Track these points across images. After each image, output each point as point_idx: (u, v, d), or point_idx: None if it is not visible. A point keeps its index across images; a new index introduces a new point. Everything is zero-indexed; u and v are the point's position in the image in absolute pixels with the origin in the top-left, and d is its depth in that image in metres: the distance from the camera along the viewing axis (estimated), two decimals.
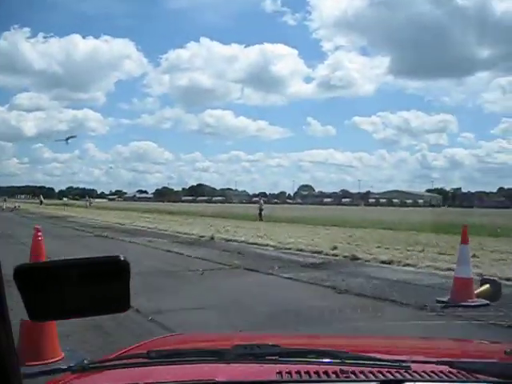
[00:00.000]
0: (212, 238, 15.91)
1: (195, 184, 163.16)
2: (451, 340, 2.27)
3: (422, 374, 1.17)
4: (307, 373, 1.17)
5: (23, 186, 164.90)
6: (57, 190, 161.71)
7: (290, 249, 13.02)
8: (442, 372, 1.18)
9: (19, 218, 30.44)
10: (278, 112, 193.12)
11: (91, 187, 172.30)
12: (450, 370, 1.19)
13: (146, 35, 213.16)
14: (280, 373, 1.17)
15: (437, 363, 1.24)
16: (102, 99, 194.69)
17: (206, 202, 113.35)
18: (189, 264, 10.04)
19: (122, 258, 0.92)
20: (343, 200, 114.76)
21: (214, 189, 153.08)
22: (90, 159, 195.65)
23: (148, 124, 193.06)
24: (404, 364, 1.20)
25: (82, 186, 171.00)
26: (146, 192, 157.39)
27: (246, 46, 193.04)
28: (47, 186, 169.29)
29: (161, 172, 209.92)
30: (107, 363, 1.32)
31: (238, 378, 1.21)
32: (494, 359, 1.38)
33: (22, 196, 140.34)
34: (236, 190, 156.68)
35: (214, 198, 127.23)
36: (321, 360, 1.23)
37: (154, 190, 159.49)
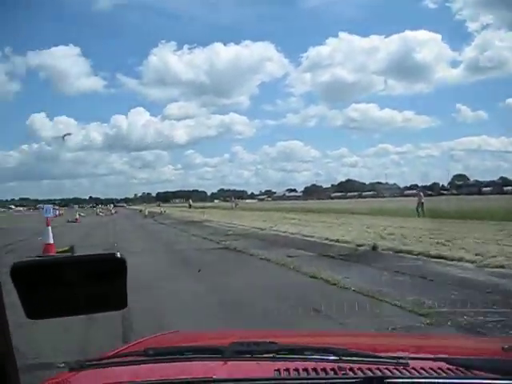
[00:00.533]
0: (374, 248, 11.13)
1: (344, 180, 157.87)
2: (449, 336, 2.36)
3: (420, 370, 1.18)
4: (305, 370, 1.17)
5: (177, 191, 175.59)
6: (209, 193, 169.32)
7: None
8: (439, 368, 1.19)
9: (153, 224, 28.40)
10: (424, 100, 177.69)
11: (242, 188, 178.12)
12: (448, 366, 1.19)
13: (285, 36, 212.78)
14: (278, 370, 1.18)
15: (435, 360, 1.25)
16: (246, 103, 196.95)
17: (356, 197, 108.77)
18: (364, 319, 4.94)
19: (119, 255, 0.92)
20: (505, 188, 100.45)
21: (364, 183, 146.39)
22: (238, 161, 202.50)
23: (293, 123, 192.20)
24: (402, 361, 1.19)
25: (232, 187, 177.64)
26: (294, 190, 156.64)
27: (386, 36, 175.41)
28: (200, 189, 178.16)
29: (308, 170, 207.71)
30: (105, 361, 1.31)
31: (236, 375, 1.19)
32: (492, 355, 1.40)
33: (177, 200, 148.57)
34: (386, 183, 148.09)
35: (364, 193, 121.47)
36: (319, 357, 1.22)
37: (302, 188, 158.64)
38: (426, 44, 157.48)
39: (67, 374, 1.29)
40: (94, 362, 1.30)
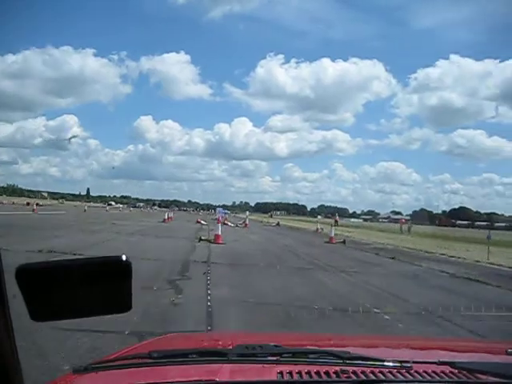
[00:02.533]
0: None
1: (456, 207, 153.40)
2: (452, 340, 2.43)
3: (424, 374, 1.18)
4: (308, 373, 1.17)
5: (277, 203, 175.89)
6: (308, 208, 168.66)
7: None
8: (443, 372, 1.19)
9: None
10: None
11: (340, 206, 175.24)
12: (452, 370, 1.20)
13: (395, 55, 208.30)
14: (281, 373, 1.18)
15: (438, 363, 1.24)
16: (350, 120, 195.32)
17: (467, 226, 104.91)
18: None
19: (124, 258, 0.92)
20: None
21: (479, 212, 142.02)
22: (337, 178, 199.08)
23: (395, 144, 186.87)
24: (405, 364, 1.20)
25: (328, 204, 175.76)
26: (400, 213, 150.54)
27: (501, 61, 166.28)
28: (299, 203, 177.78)
29: (408, 193, 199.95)
30: (109, 363, 1.32)
31: (240, 377, 1.21)
32: (496, 359, 1.42)
33: (278, 212, 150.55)
34: (502, 214, 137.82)
35: (477, 223, 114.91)
36: (322, 360, 1.23)
37: (409, 212, 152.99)
38: None
39: (71, 376, 1.29)
40: (98, 365, 1.29)
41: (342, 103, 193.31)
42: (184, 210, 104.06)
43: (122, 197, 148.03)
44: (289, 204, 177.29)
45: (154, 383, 1.16)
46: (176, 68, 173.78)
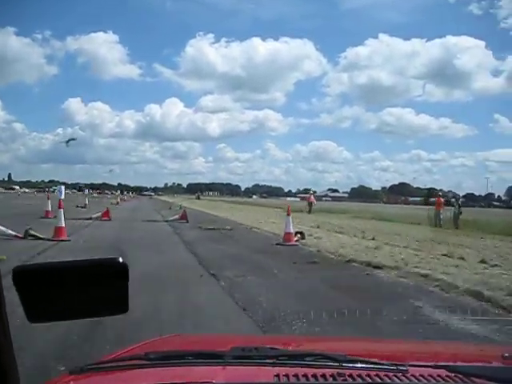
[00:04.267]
0: None
1: (397, 183, 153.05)
2: (449, 343, 2.32)
3: (420, 377, 1.17)
4: (305, 376, 1.17)
5: (210, 183, 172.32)
6: (243, 188, 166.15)
7: None
8: (439, 376, 1.19)
9: None
10: (462, 108, 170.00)
11: (276, 185, 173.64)
12: (448, 373, 1.20)
13: (325, 35, 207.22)
14: (277, 375, 1.17)
15: (434, 367, 1.25)
16: (282, 99, 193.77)
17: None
18: None
19: (121, 260, 0.92)
20: None
21: (419, 188, 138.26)
22: (270, 158, 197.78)
23: (327, 123, 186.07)
24: (401, 367, 1.19)
25: (263, 183, 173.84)
26: (336, 191, 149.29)
27: (427, 40, 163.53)
28: (233, 183, 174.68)
29: (340, 171, 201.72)
30: (105, 365, 1.31)
31: (236, 380, 1.21)
32: (492, 363, 1.40)
33: (210, 193, 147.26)
34: (441, 190, 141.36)
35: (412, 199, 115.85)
36: (318, 363, 1.23)
37: (346, 189, 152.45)
38: (469, 50, 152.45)
39: (67, 377, 1.28)
40: (94, 366, 1.29)
41: (273, 83, 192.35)
42: (100, 193, 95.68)
43: (50, 181, 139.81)
44: (222, 184, 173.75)
45: None
46: (104, 48, 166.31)
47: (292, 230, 13.14)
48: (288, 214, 13.26)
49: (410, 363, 1.25)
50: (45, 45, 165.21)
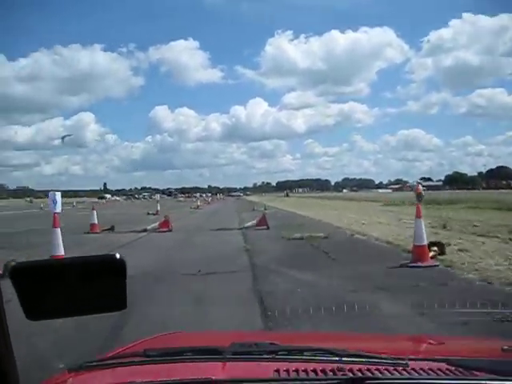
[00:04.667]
0: None
1: (494, 167, 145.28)
2: (448, 337, 2.30)
3: (420, 371, 1.18)
4: (305, 371, 1.17)
5: (299, 180, 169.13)
6: (332, 182, 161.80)
7: None
8: (439, 369, 1.19)
9: None
10: None
11: (366, 177, 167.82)
12: (448, 367, 1.19)
13: (405, 20, 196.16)
14: (277, 371, 1.18)
15: (434, 360, 1.24)
16: (365, 90, 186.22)
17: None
18: None
19: (119, 257, 0.92)
20: None
21: None
22: (358, 150, 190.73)
23: (414, 111, 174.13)
24: (401, 361, 1.19)
25: (352, 176, 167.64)
26: (430, 179, 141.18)
27: None
28: (323, 178, 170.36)
29: (430, 159, 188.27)
30: (104, 362, 1.31)
31: (236, 376, 1.19)
32: (491, 356, 1.37)
33: (300, 190, 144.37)
34: None
35: None
36: (318, 357, 1.23)
37: (442, 177, 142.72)
38: None
39: (66, 374, 1.28)
40: (93, 363, 1.29)
41: (355, 74, 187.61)
42: (189, 197, 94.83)
43: (143, 188, 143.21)
44: (311, 180, 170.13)
45: (149, 382, 1.16)
46: (185, 55, 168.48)
47: (425, 242, 8.05)
48: (418, 216, 8.12)
49: (410, 357, 1.25)
50: (130, 57, 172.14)
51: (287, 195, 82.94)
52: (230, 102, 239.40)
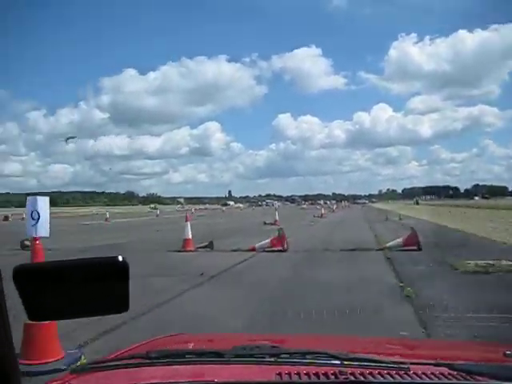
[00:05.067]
0: None
1: None
2: (450, 341, 2.41)
3: (421, 375, 1.17)
4: (306, 374, 1.17)
5: (426, 187, 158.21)
6: (462, 190, 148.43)
7: None
8: (441, 374, 1.18)
9: None
10: None
11: (497, 184, 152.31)
12: (449, 371, 1.19)
13: None
14: (279, 374, 1.17)
15: (436, 365, 1.24)
16: (496, 91, 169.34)
17: None
18: None
19: (121, 259, 0.91)
20: None
21: None
22: (488, 156, 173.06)
23: None
24: (403, 365, 1.19)
25: (482, 183, 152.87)
26: None
27: None
28: (451, 185, 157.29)
29: None
30: (107, 363, 1.31)
31: (237, 378, 1.19)
32: (494, 361, 1.38)
33: (428, 197, 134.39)
34: None
35: None
36: (320, 361, 1.22)
37: None
38: None
39: (69, 376, 1.28)
40: (96, 365, 1.29)
41: (484, 75, 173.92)
42: (312, 204, 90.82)
43: (267, 195, 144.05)
44: (438, 187, 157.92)
45: (151, 383, 1.16)
46: (308, 62, 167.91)
47: None
48: None
49: (412, 361, 1.24)
50: (253, 66, 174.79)
51: (417, 203, 75.68)
52: (354, 109, 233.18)
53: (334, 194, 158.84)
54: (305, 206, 79.83)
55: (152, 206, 67.98)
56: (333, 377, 1.14)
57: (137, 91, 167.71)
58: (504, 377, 1.13)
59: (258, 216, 26.24)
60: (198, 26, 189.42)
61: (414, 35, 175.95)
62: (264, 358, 1.24)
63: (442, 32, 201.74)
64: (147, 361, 1.25)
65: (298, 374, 1.17)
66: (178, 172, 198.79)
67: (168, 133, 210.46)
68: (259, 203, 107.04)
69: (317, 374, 1.16)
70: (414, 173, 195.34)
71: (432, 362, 1.26)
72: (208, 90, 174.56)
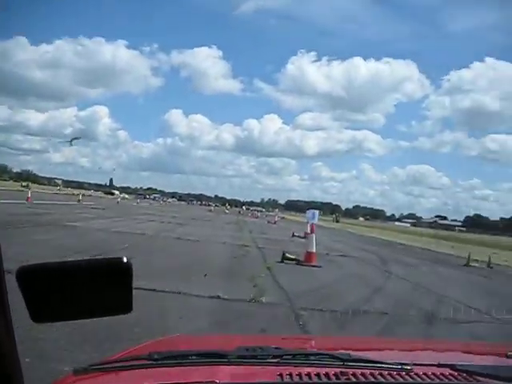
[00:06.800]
0: None
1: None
2: (453, 342, 2.37)
3: (423, 376, 1.17)
4: (308, 375, 1.17)
5: (311, 201, 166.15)
6: (343, 208, 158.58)
7: None
8: (443, 374, 1.19)
9: None
10: None
11: (371, 206, 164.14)
12: (452, 372, 1.19)
13: (428, 56, 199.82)
14: (281, 375, 1.17)
15: (438, 365, 1.24)
16: (381, 120, 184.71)
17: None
18: None
19: (125, 260, 0.91)
20: None
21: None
22: (366, 179, 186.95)
23: (426, 147, 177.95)
24: (405, 367, 1.19)
25: (356, 204, 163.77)
26: (445, 218, 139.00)
27: None
28: (329, 202, 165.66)
29: (437, 197, 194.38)
30: (109, 365, 1.31)
31: (240, 379, 1.21)
32: (496, 362, 1.39)
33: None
34: None
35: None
36: (322, 362, 1.22)
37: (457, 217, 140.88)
38: None
39: (72, 377, 1.28)
40: (99, 366, 1.28)
41: (372, 103, 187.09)
42: (206, 205, 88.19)
43: (149, 189, 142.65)
44: (322, 203, 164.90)
45: None
46: (207, 62, 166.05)
47: None
48: None
49: (414, 362, 1.24)
50: (151, 57, 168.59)
51: (337, 221, 69.52)
52: (245, 115, 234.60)
53: (216, 196, 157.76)
54: (201, 206, 75.01)
55: (24, 184, 58.71)
56: (334, 378, 1.15)
57: (25, 61, 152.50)
58: (506, 377, 1.13)
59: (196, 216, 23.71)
60: (101, 6, 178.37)
61: (313, 54, 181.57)
62: (267, 359, 1.24)
63: (340, 55, 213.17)
64: (150, 362, 1.24)
65: (300, 375, 1.17)
66: (60, 152, 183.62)
67: (54, 110, 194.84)
68: (147, 196, 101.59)
69: (318, 375, 1.16)
70: (295, 186, 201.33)
71: (434, 362, 1.27)
72: (101, 73, 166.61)
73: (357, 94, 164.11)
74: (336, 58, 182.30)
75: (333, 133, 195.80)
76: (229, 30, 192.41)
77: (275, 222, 38.38)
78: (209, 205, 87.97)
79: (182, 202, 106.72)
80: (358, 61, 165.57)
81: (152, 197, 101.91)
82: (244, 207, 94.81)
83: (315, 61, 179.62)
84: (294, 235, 21.13)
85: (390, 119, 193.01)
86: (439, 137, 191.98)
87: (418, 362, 1.25)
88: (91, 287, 0.90)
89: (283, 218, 57.41)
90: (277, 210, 64.53)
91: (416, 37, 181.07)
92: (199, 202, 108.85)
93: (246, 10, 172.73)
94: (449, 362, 1.25)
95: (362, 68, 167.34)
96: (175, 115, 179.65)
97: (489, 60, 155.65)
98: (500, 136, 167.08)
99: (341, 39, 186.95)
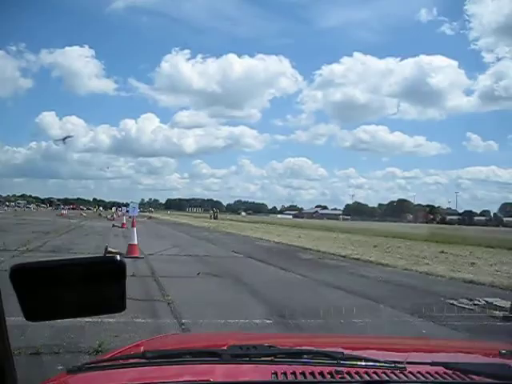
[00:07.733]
0: None
1: (395, 199, 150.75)
2: (446, 340, 2.42)
3: (417, 374, 1.18)
4: (302, 373, 1.17)
5: (191, 199, 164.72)
6: (224, 204, 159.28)
7: None
8: (436, 373, 1.19)
9: None
10: (436, 127, 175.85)
11: (252, 200, 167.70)
12: (445, 370, 1.19)
13: (301, 52, 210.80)
14: (275, 373, 1.17)
15: (432, 364, 1.24)
16: (257, 116, 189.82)
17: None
18: None
19: (119, 258, 0.91)
20: (505, 220, 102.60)
21: (420, 205, 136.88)
22: (245, 174, 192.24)
23: (302, 140, 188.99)
24: (399, 365, 1.20)
25: (237, 199, 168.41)
26: (325, 207, 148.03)
27: (401, 59, 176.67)
28: (211, 198, 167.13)
29: (315, 188, 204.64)
30: (103, 363, 1.30)
31: (234, 378, 1.20)
32: (489, 360, 1.41)
33: (195, 209, 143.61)
34: (439, 207, 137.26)
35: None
36: (316, 360, 1.22)
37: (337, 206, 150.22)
38: (442, 70, 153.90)
39: (65, 375, 1.27)
40: (92, 365, 1.28)
41: (248, 99, 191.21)
42: (78, 209, 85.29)
43: (22, 196, 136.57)
44: (203, 200, 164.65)
45: (147, 383, 1.15)
46: (79, 62, 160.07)
47: None
48: None
49: (408, 360, 1.25)
50: (19, 57, 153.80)
51: (215, 217, 61.46)
52: (122, 115, 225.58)
53: (95, 199, 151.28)
54: (64, 211, 69.32)
55: None
56: (329, 376, 1.15)
57: None
58: (499, 375, 1.14)
59: None
60: None
61: (187, 51, 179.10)
62: (261, 357, 1.24)
63: (214, 53, 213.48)
64: (144, 361, 1.24)
65: (294, 373, 1.17)
66: None
67: None
68: (7, 204, 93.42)
69: (313, 374, 1.16)
70: (176, 185, 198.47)
71: (428, 361, 1.28)
72: None
73: (232, 90, 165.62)
74: (210, 55, 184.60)
75: (210, 130, 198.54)
76: (100, 28, 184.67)
77: (122, 226, 25.49)
78: (81, 209, 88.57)
79: (49, 208, 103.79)
80: (232, 58, 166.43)
81: (12, 204, 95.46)
82: (113, 209, 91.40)
83: (190, 58, 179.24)
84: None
85: (267, 114, 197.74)
86: (314, 129, 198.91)
87: (411, 360, 1.26)
88: (84, 286, 0.89)
89: (150, 217, 51.30)
90: (151, 209, 61.20)
91: (287, 33, 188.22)
92: (71, 207, 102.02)
93: (116, 8, 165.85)
94: (442, 361, 1.25)
95: (237, 65, 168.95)
96: (48, 117, 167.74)
97: (357, 55, 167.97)
98: (370, 127, 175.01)
99: (214, 37, 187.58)
